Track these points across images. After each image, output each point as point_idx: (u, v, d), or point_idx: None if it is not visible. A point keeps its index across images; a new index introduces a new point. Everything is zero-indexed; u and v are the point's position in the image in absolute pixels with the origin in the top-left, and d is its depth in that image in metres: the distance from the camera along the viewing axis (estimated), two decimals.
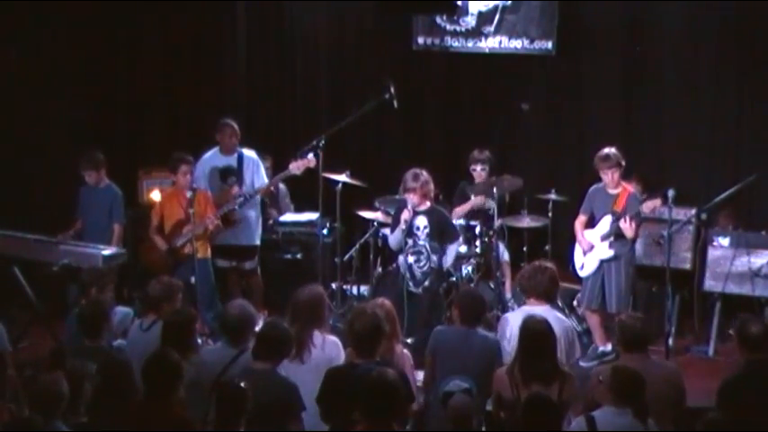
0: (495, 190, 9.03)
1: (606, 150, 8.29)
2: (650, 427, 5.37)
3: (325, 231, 9.35)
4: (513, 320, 6.64)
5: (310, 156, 8.82)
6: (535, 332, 5.97)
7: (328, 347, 6.31)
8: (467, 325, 6.52)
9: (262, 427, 5.42)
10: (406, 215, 8.12)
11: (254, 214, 9.15)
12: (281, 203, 10.00)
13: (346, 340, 6.23)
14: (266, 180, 9.19)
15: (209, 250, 8.74)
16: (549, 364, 5.91)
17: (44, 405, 5.20)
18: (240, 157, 9.12)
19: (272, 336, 5.87)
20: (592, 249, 8.36)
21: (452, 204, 9.41)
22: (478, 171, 9.47)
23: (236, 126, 9.14)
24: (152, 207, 9.06)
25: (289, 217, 9.95)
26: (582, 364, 8.10)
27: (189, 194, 8.43)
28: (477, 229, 9.11)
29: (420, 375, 6.65)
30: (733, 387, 5.74)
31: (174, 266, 8.50)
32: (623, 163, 8.29)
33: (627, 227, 8.11)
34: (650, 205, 8.23)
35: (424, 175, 8.22)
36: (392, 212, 8.60)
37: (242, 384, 5.28)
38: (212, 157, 9.16)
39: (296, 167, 8.86)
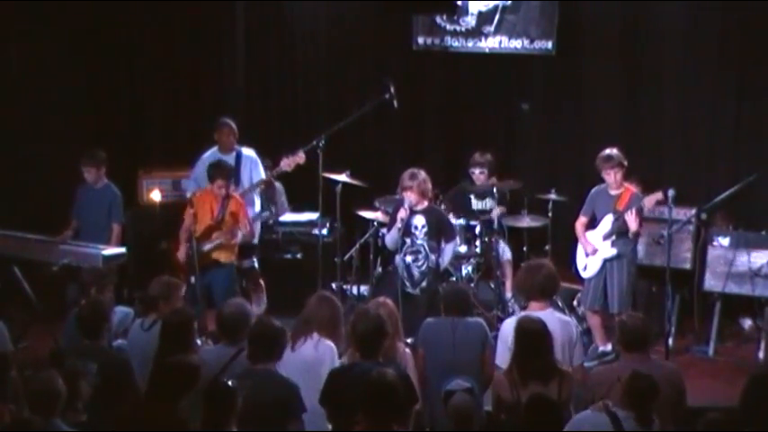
0: (495, 191, 9.05)
1: (608, 151, 8.29)
2: (651, 427, 5.36)
3: (325, 231, 9.35)
4: (512, 325, 6.60)
5: (300, 152, 8.82)
6: (530, 331, 5.97)
7: (321, 349, 6.22)
8: (451, 317, 6.59)
9: (262, 427, 5.41)
10: (402, 213, 8.13)
11: (251, 212, 9.13)
12: (277, 202, 9.98)
13: (348, 341, 6.22)
14: (264, 177, 9.19)
15: (234, 255, 8.65)
16: (545, 363, 5.91)
17: (41, 403, 5.19)
18: (238, 156, 9.12)
19: (264, 334, 5.82)
20: (596, 253, 8.36)
21: (448, 203, 9.37)
22: (477, 174, 9.50)
23: (233, 125, 9.16)
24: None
25: (289, 217, 9.95)
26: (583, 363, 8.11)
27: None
28: (477, 229, 9.11)
29: None
30: (761, 383, 5.65)
31: (193, 269, 8.33)
32: (626, 163, 8.29)
33: (632, 219, 8.10)
34: (652, 199, 8.22)
35: (422, 174, 8.22)
36: (391, 212, 8.60)
37: (230, 383, 5.25)
38: (211, 157, 9.14)
39: (286, 164, 8.87)
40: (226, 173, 8.48)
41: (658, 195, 8.17)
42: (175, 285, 6.98)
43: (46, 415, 5.15)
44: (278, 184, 9.81)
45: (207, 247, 8.40)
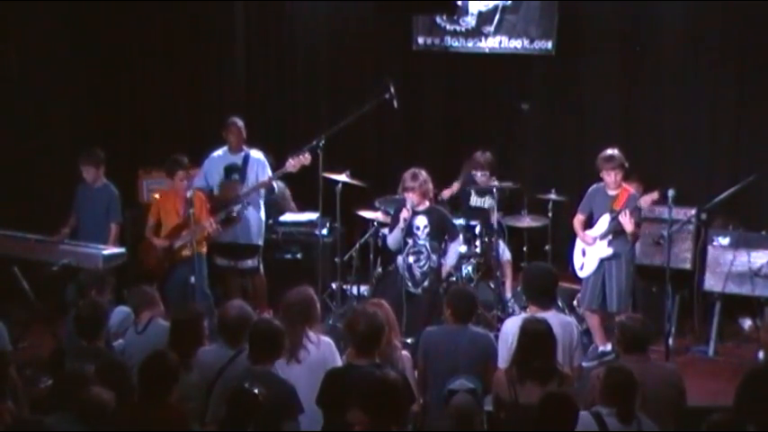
0: (495, 191, 9.04)
1: (610, 151, 8.29)
2: (638, 426, 5.35)
3: (325, 231, 9.34)
4: (514, 326, 6.59)
5: (306, 153, 8.82)
6: (534, 332, 5.97)
7: (323, 347, 6.26)
8: (459, 323, 6.50)
9: (259, 427, 5.39)
10: (405, 214, 8.12)
11: (254, 213, 9.13)
12: (280, 204, 9.97)
13: (346, 340, 6.21)
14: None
15: (204, 248, 8.78)
16: (545, 364, 5.90)
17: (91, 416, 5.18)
18: (246, 157, 9.11)
19: (264, 335, 5.80)
20: (594, 242, 8.35)
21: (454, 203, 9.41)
22: (479, 177, 9.50)
23: (242, 125, 9.14)
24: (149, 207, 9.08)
25: (289, 217, 9.94)
26: (582, 364, 8.11)
27: (189, 194, 8.41)
28: (477, 229, 9.11)
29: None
30: (757, 380, 5.64)
31: (169, 267, 8.59)
32: (626, 165, 8.28)
33: (626, 220, 8.09)
34: (648, 199, 8.21)
35: (423, 174, 8.22)
36: (392, 212, 8.60)
37: (255, 391, 5.23)
38: (221, 156, 9.16)
39: (291, 165, 8.85)
40: (184, 165, 8.64)
41: (654, 195, 8.16)
42: (152, 294, 7.02)
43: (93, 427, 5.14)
44: (281, 184, 9.77)
45: (177, 244, 8.56)
